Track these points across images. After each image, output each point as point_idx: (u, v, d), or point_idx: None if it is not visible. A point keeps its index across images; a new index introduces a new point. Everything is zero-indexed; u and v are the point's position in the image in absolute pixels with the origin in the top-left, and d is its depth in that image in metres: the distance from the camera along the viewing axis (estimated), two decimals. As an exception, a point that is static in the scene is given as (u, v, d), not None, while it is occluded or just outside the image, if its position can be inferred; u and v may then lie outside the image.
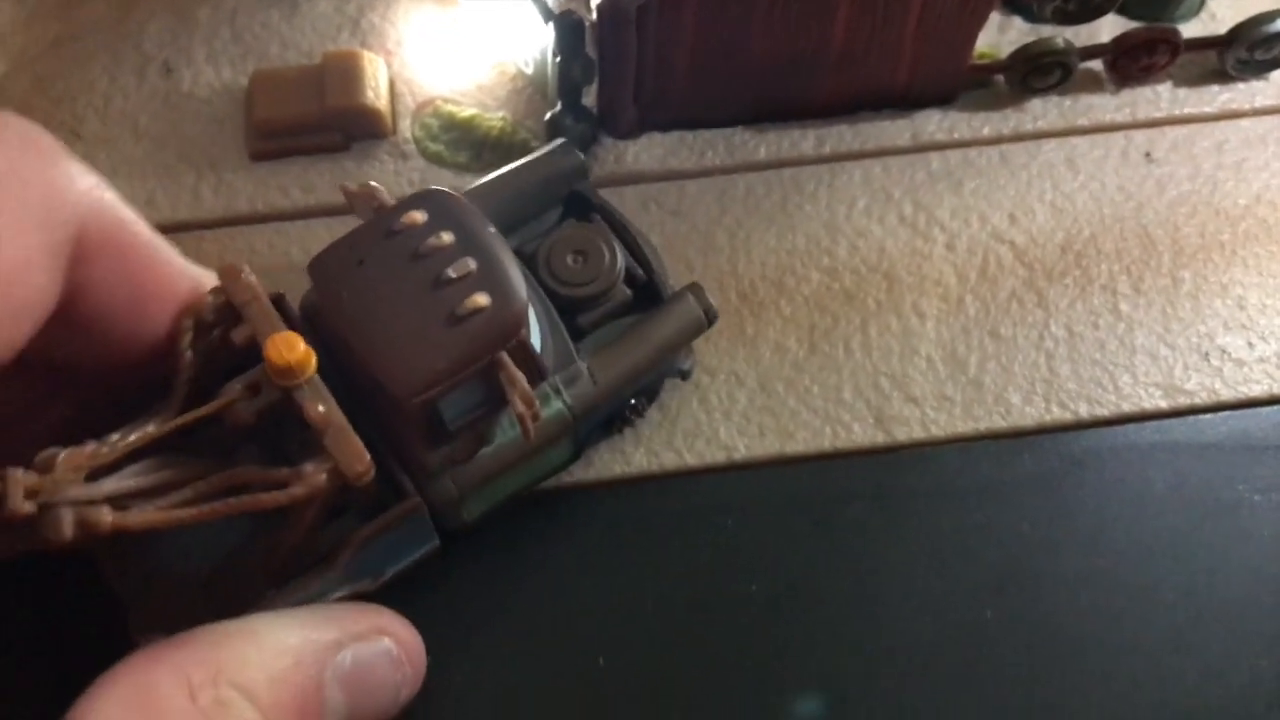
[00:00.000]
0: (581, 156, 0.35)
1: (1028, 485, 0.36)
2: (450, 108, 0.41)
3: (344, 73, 0.40)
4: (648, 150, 0.41)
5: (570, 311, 0.33)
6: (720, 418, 0.37)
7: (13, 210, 0.24)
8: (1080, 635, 0.34)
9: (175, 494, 0.26)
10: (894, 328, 0.38)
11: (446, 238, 0.28)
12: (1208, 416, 0.37)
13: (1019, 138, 0.41)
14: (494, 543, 0.35)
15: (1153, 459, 0.37)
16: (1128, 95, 0.42)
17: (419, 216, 0.28)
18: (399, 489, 0.29)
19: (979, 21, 0.38)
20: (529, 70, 0.41)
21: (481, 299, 0.27)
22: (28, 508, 0.24)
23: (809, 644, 0.34)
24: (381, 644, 0.29)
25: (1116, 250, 0.40)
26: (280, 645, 0.26)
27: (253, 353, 0.27)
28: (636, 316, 0.34)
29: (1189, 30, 0.42)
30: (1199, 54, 0.42)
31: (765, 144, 0.41)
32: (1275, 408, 0.37)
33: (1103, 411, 0.37)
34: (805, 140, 0.41)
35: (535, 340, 0.30)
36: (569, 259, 0.33)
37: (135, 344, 0.29)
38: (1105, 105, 0.42)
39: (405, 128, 0.41)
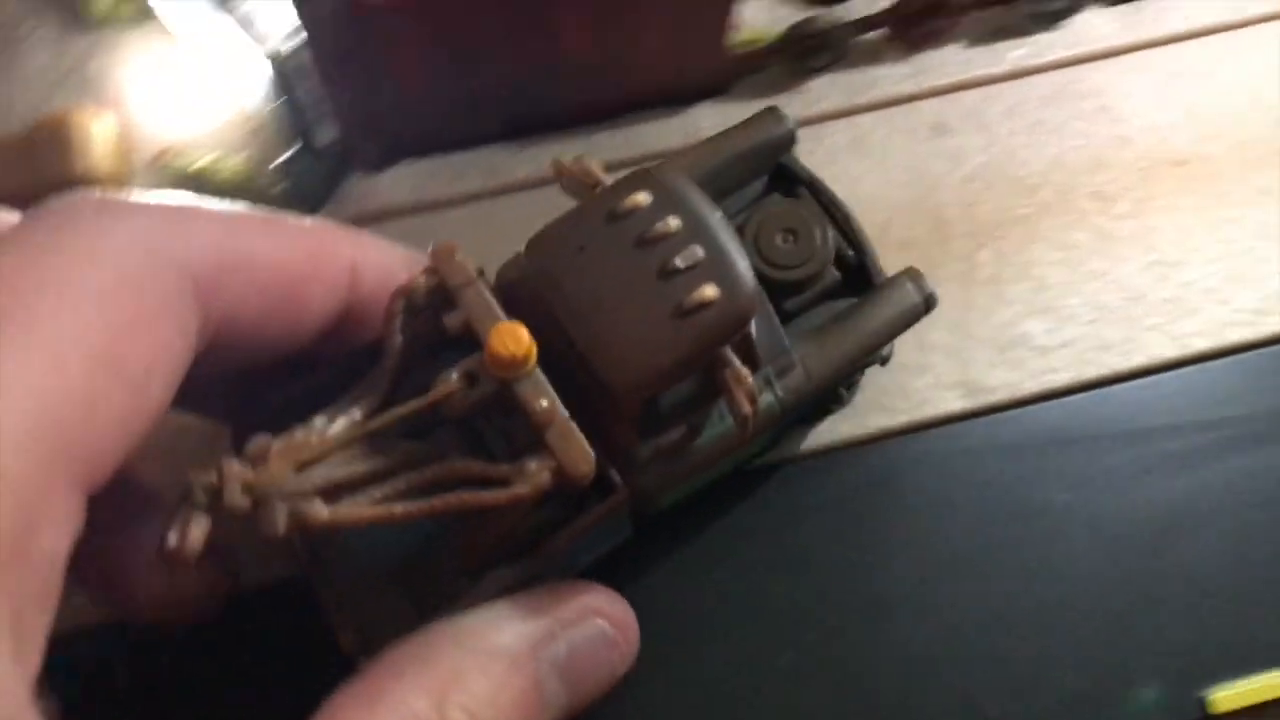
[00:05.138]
0: (791, 125, 0.32)
1: (816, 512, 0.34)
2: (180, 161, 0.38)
3: (55, 140, 0.36)
4: (399, 182, 0.38)
5: (778, 294, 0.31)
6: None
7: (97, 284, 0.22)
8: (886, 666, 0.32)
9: (386, 485, 0.25)
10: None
11: (673, 223, 0.26)
12: (1013, 413, 0.35)
13: (802, 123, 0.38)
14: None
15: (953, 467, 0.34)
16: (916, 63, 0.39)
17: (642, 199, 0.26)
18: (604, 481, 0.27)
19: (723, 10, 0.35)
20: (258, 110, 0.38)
21: (710, 291, 0.25)
22: (244, 503, 0.23)
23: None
24: (594, 625, 0.28)
25: (909, 238, 0.37)
26: (494, 648, 0.25)
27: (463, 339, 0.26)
28: (846, 302, 0.31)
29: (975, -17, 0.38)
30: (990, 11, 0.39)
31: (525, 162, 0.38)
32: (1080, 396, 0.35)
33: (898, 421, 0.35)
34: (570, 153, 0.38)
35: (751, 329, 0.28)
36: (779, 239, 0.31)
37: (297, 335, 0.27)
38: (892, 76, 0.39)
39: (144, 184, 0.38)
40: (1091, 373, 0.35)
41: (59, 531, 0.20)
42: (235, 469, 0.24)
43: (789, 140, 0.32)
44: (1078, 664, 0.33)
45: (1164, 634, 0.33)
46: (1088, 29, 0.39)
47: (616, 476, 0.27)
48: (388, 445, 0.26)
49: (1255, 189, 0.37)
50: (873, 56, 0.39)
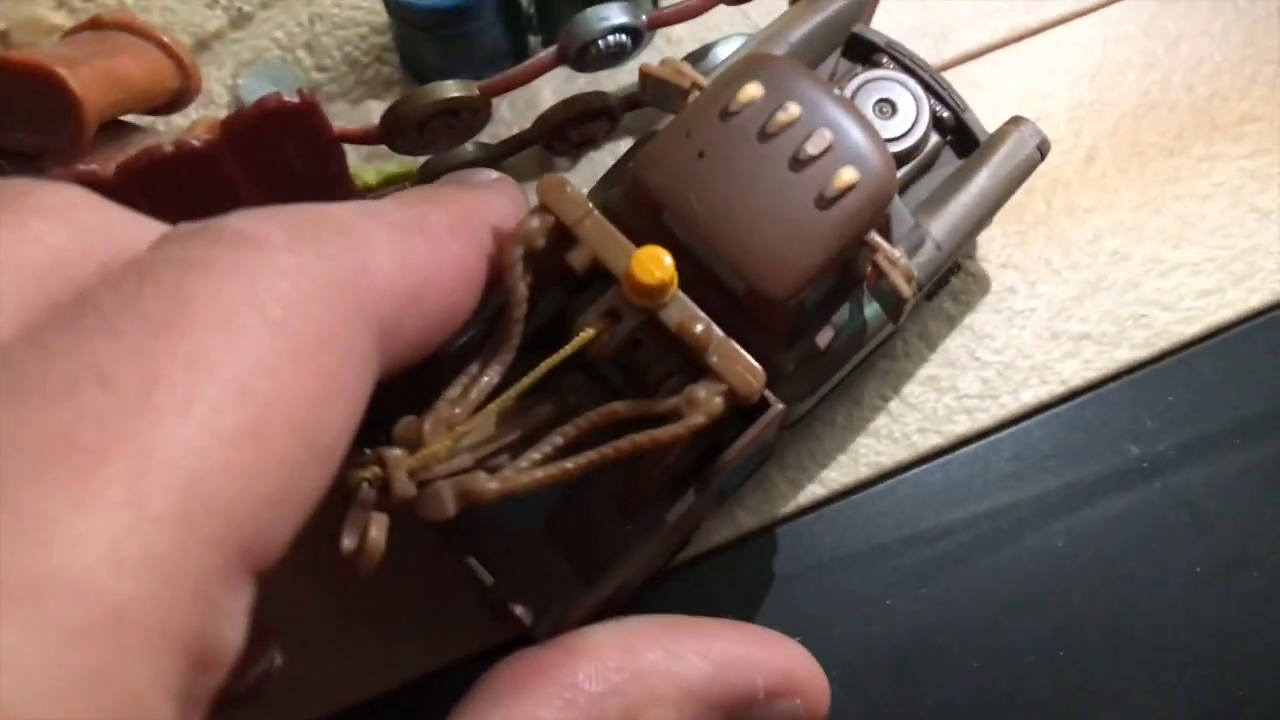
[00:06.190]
0: None
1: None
2: None
3: None
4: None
5: None
6: None
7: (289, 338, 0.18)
8: None
9: (544, 444, 0.23)
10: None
11: (793, 109, 0.25)
12: (732, 552, 0.32)
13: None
14: None
15: (723, 602, 0.32)
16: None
17: (755, 90, 0.25)
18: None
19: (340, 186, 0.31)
20: None
21: (849, 174, 0.24)
22: (411, 490, 0.22)
23: None
24: (791, 704, 0.25)
25: (600, 373, 0.33)
26: (698, 695, 0.23)
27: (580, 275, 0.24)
28: (954, 165, 0.30)
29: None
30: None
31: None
32: (803, 520, 0.32)
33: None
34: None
35: None
36: (874, 111, 0.29)
37: (438, 348, 0.23)
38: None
39: None
40: (813, 493, 0.32)
41: (234, 629, 0.17)
42: (396, 456, 0.22)
43: (860, 7, 0.31)
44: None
45: (919, 769, 0.31)
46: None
47: (769, 393, 0.25)
48: (530, 402, 0.24)
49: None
50: (537, 167, 0.35)
